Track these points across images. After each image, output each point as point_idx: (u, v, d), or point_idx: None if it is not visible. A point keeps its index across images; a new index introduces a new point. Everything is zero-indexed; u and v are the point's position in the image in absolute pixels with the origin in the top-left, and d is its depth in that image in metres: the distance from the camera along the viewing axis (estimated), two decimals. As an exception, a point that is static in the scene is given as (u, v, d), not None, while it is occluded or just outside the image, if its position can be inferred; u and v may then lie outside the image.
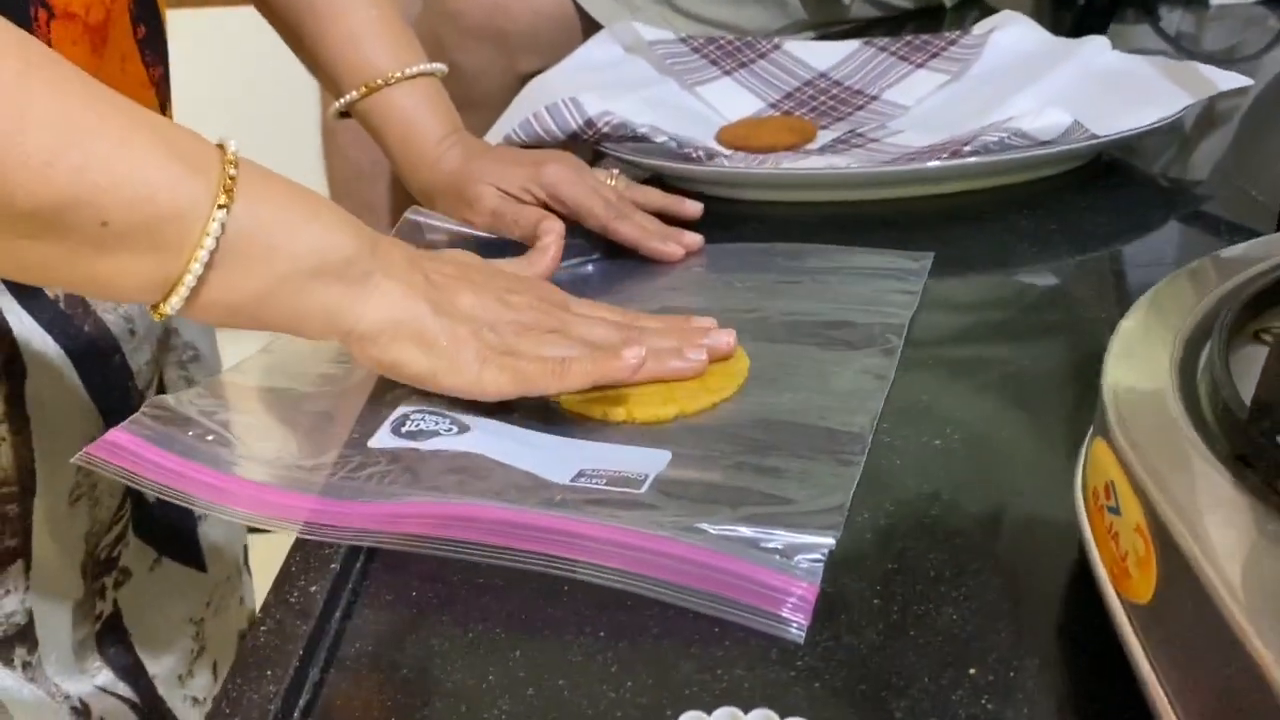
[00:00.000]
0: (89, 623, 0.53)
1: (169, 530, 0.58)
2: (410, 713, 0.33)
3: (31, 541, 0.48)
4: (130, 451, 0.43)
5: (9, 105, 0.34)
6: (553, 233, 0.58)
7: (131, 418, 0.44)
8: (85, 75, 0.37)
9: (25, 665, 0.49)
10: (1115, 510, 0.30)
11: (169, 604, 0.58)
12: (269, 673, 0.33)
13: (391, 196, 1.15)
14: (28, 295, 0.48)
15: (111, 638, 0.54)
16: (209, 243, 0.38)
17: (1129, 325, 0.37)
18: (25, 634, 0.49)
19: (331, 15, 0.63)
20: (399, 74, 0.62)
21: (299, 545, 0.39)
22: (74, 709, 0.51)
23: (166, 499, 0.41)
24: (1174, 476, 0.29)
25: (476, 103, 1.02)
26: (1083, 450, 0.36)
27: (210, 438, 0.45)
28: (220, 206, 0.38)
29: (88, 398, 0.51)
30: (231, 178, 0.39)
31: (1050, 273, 0.60)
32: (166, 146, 0.38)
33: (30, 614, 0.49)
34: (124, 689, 0.54)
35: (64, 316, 0.49)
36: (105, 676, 0.54)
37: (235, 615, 0.65)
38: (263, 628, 0.35)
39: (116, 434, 0.43)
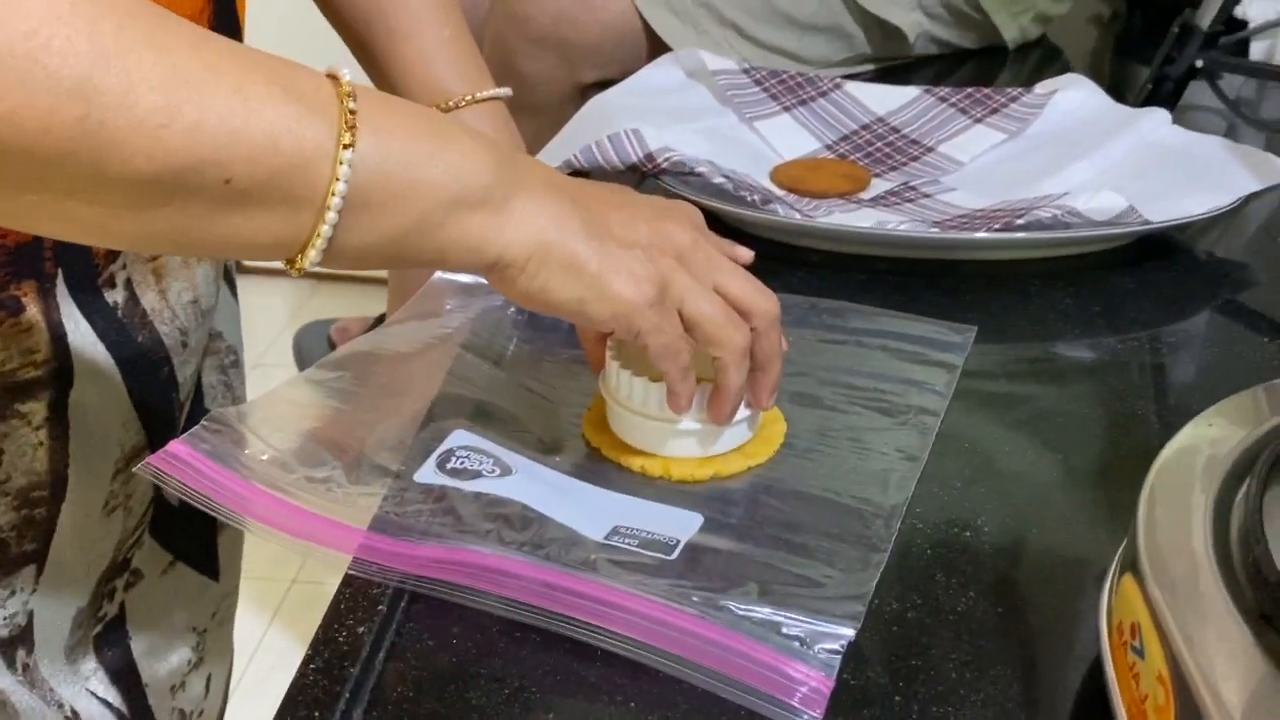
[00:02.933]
0: (89, 624, 0.51)
1: (188, 536, 0.57)
2: (445, 766, 0.34)
3: (50, 547, 0.48)
4: (189, 465, 0.45)
5: (116, 69, 0.31)
6: None
7: (191, 431, 0.46)
8: (179, 18, 0.34)
9: (25, 668, 0.48)
10: (1139, 652, 0.31)
11: (175, 610, 0.57)
12: (316, 714, 0.35)
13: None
14: (87, 301, 0.47)
15: (111, 638, 0.53)
16: (340, 188, 0.35)
17: (1169, 456, 0.38)
18: (25, 635, 0.48)
19: (404, 33, 0.63)
20: (469, 97, 0.63)
21: (348, 582, 0.41)
22: (65, 718, 0.50)
23: (220, 517, 0.43)
24: (1199, 632, 0.30)
25: (535, 108, 1.03)
26: (1111, 573, 0.37)
27: (265, 457, 0.47)
28: (345, 146, 0.35)
29: (130, 407, 0.50)
30: (352, 111, 0.36)
31: (1090, 358, 0.61)
32: (282, 88, 0.35)
33: (31, 615, 0.48)
34: (114, 695, 0.53)
35: (120, 325, 0.48)
36: (99, 680, 0.53)
37: (231, 629, 0.64)
38: (311, 666, 0.37)
39: (177, 446, 0.45)
